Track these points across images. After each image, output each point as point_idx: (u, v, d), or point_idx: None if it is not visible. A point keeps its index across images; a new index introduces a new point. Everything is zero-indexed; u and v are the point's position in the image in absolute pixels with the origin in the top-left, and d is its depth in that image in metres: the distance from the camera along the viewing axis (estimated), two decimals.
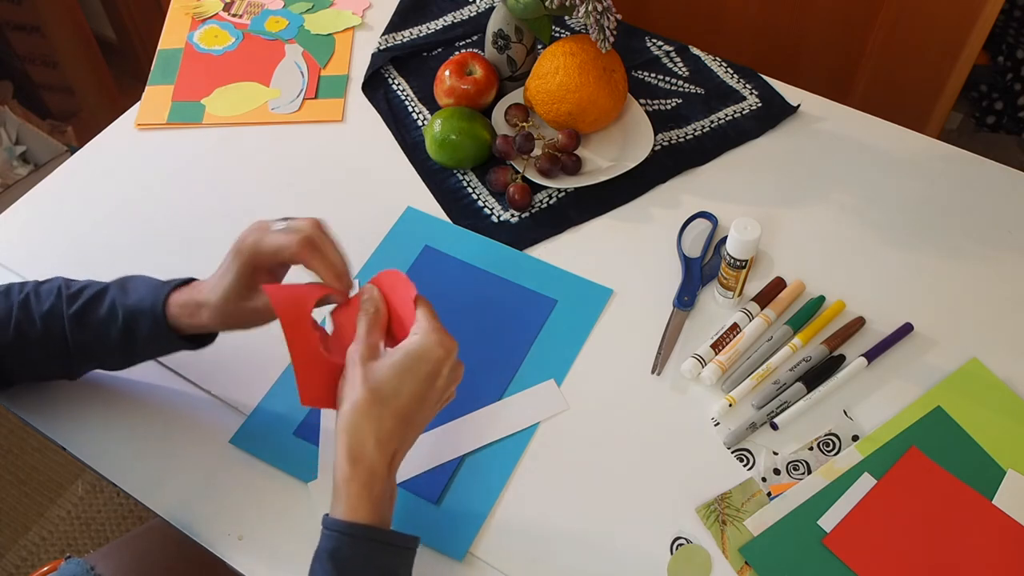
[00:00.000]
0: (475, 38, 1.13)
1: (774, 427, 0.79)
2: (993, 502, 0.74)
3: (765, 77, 1.08)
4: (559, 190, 0.97)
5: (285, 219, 0.69)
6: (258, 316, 0.70)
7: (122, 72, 1.99)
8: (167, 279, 0.73)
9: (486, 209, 0.96)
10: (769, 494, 0.75)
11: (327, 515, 0.62)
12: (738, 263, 0.83)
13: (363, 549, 0.60)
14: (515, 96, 1.03)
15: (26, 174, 1.78)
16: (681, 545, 0.73)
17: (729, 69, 1.09)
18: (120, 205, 0.97)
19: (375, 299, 0.67)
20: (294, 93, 1.07)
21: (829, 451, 0.78)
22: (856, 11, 1.30)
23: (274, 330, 0.82)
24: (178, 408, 0.81)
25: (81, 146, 1.03)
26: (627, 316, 0.87)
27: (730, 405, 0.80)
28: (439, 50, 1.12)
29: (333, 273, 0.68)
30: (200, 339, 0.74)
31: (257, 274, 0.69)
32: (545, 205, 0.96)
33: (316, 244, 0.67)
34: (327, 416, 0.80)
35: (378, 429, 0.61)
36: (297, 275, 0.71)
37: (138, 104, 1.06)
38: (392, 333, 0.67)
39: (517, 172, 0.96)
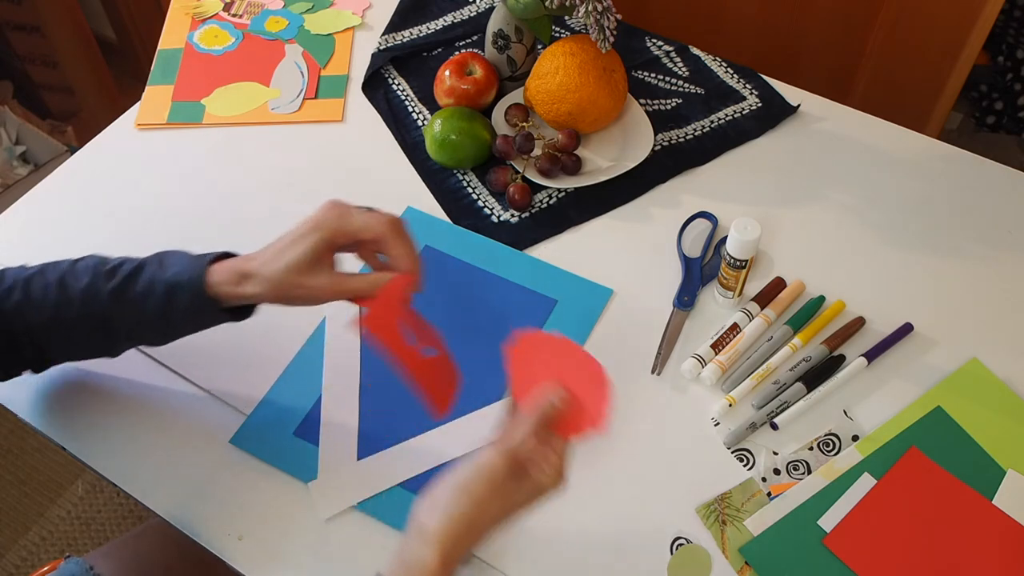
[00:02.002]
0: (475, 38, 1.13)
1: (774, 427, 0.79)
2: (993, 502, 0.74)
3: (765, 77, 1.08)
4: (559, 190, 0.97)
5: (366, 207, 0.71)
6: (311, 294, 0.69)
7: (122, 72, 1.99)
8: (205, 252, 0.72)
9: (486, 209, 0.96)
10: (769, 494, 0.75)
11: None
12: (738, 263, 0.83)
13: None
14: (515, 96, 1.03)
15: (26, 174, 1.78)
16: (681, 545, 0.73)
17: (729, 69, 1.09)
18: (120, 205, 0.97)
19: (556, 403, 0.64)
20: (294, 93, 1.07)
21: (829, 451, 0.78)
22: (856, 11, 1.30)
23: (274, 329, 0.83)
24: (178, 408, 0.81)
25: (81, 146, 1.03)
26: (627, 316, 0.87)
27: (730, 405, 0.80)
28: (439, 50, 1.12)
29: (414, 258, 0.68)
30: (240, 311, 0.73)
31: (330, 251, 0.69)
32: (545, 205, 0.96)
33: (400, 228, 0.68)
34: (328, 414, 0.80)
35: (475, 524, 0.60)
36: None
37: (138, 104, 1.06)
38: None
39: (517, 172, 0.96)
